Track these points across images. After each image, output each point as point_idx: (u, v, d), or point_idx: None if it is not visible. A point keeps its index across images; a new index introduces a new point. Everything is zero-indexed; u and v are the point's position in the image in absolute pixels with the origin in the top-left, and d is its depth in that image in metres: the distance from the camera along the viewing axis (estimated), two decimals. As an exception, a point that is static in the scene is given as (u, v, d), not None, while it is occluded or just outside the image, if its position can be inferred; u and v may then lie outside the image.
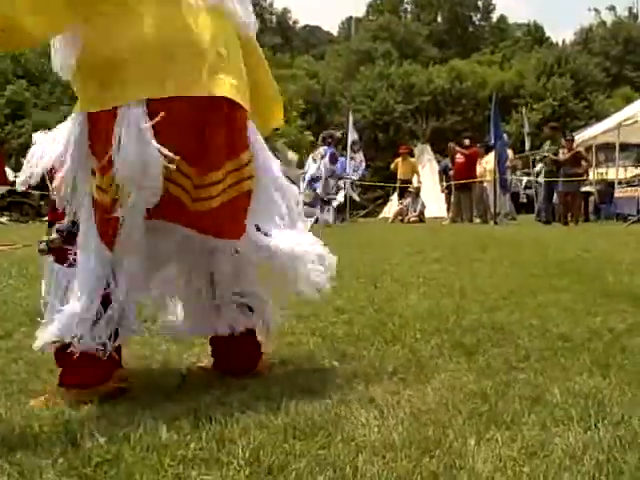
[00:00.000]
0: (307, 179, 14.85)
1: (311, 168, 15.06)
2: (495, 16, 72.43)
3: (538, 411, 2.10)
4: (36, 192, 21.15)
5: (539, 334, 3.19)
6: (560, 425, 1.97)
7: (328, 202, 14.91)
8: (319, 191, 14.62)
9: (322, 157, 14.88)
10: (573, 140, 16.70)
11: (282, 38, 71.63)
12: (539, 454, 1.76)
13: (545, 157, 16.39)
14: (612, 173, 18.52)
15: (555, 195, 16.30)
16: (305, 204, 14.11)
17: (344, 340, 3.18)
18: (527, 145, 23.24)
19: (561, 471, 1.65)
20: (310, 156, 15.85)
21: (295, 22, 79.17)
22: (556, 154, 15.75)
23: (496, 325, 3.38)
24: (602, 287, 4.57)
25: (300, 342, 3.13)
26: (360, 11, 76.20)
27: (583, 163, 16.20)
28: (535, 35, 66.88)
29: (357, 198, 20.02)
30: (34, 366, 2.72)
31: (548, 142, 16.55)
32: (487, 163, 17.11)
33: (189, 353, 2.96)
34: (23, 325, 3.47)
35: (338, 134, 16.32)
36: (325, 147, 15.18)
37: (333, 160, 14.97)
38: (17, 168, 31.76)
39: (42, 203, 21.84)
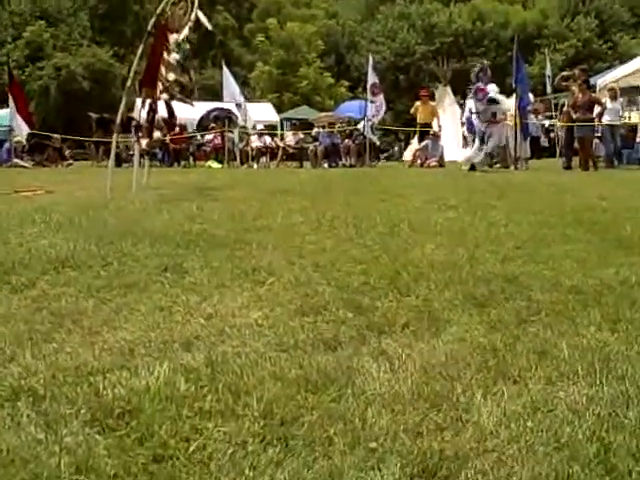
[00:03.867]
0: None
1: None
2: (519, -52, 70.37)
3: (545, 365, 2.15)
4: (57, 135, 21.30)
5: (551, 286, 3.22)
6: (565, 380, 2.03)
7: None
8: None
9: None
10: (588, 83, 16.37)
11: (301, -24, 70.28)
12: (543, 409, 1.82)
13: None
14: (635, 117, 18.22)
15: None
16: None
17: (360, 290, 3.24)
18: (549, 88, 22.86)
19: (564, 426, 1.72)
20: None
21: (314, -40, 77.48)
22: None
23: (509, 276, 3.42)
24: (617, 237, 4.58)
25: (317, 292, 3.18)
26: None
27: (597, 108, 15.91)
28: (559, -29, 65.08)
29: (377, 142, 19.88)
30: (58, 316, 2.80)
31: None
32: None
33: (208, 302, 3.03)
34: (47, 274, 3.53)
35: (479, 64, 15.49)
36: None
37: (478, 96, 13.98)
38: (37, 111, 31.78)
39: (64, 145, 21.97)
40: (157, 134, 8.65)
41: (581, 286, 3.20)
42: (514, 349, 2.33)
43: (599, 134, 16.23)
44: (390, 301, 3.04)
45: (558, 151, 17.92)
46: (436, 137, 18.10)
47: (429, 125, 18.63)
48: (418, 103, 19.10)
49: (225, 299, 3.05)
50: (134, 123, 8.94)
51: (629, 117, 18.53)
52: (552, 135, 23.28)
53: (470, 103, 14.48)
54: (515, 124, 15.79)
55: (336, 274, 3.57)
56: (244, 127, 19.97)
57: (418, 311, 2.87)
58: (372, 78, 18.91)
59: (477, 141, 13.78)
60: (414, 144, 19.96)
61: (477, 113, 13.79)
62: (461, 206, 6.48)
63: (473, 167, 13.54)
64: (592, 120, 15.42)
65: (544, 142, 22.59)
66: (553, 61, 29.05)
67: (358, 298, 3.09)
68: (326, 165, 19.26)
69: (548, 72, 24.95)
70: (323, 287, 3.28)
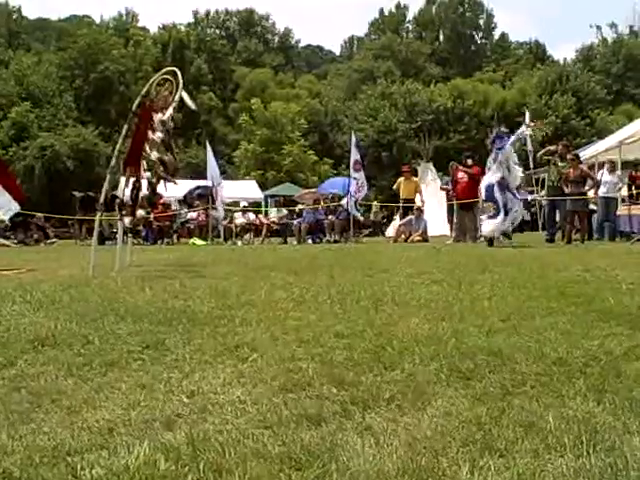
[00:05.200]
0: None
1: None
2: (497, 34, 72.98)
3: (531, 438, 2.13)
4: (40, 214, 21.33)
5: (536, 358, 3.21)
6: (553, 452, 2.00)
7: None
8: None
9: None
10: (578, 158, 16.75)
11: (284, 58, 72.26)
12: (530, 482, 1.79)
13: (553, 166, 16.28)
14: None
15: (558, 213, 16.33)
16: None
17: (343, 365, 3.21)
18: (531, 164, 23.33)
19: (551, 500, 1.68)
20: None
21: (297, 42, 79.88)
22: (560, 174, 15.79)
23: (493, 349, 3.40)
24: (601, 309, 4.59)
25: (300, 368, 3.15)
26: (362, 30, 76.72)
27: (589, 181, 16.24)
28: (537, 53, 67.38)
29: (361, 218, 20.08)
30: (37, 396, 2.75)
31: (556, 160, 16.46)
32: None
33: (189, 379, 2.98)
34: (26, 353, 3.49)
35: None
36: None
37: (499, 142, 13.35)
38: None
39: (47, 224, 22.00)
40: (141, 212, 8.65)
41: (566, 357, 3.19)
42: (500, 422, 2.30)
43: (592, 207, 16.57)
44: (374, 375, 3.01)
45: (540, 225, 18.15)
46: (419, 212, 18.30)
47: (412, 201, 18.86)
48: (401, 179, 19.39)
49: (207, 376, 3.02)
50: (118, 201, 8.98)
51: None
52: (533, 210, 23.64)
53: (493, 170, 13.52)
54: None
55: (320, 349, 3.54)
56: (229, 204, 20.17)
57: (403, 385, 2.84)
58: (355, 155, 19.22)
59: (502, 212, 13.05)
60: (397, 220, 20.15)
61: (500, 181, 13.19)
62: (445, 280, 6.50)
63: (491, 242, 13.28)
64: (585, 194, 15.70)
65: (526, 216, 22.91)
66: (533, 137, 29.65)
67: (342, 373, 3.06)
68: (310, 241, 19.37)
69: (529, 148, 25.49)
70: (307, 363, 3.25)
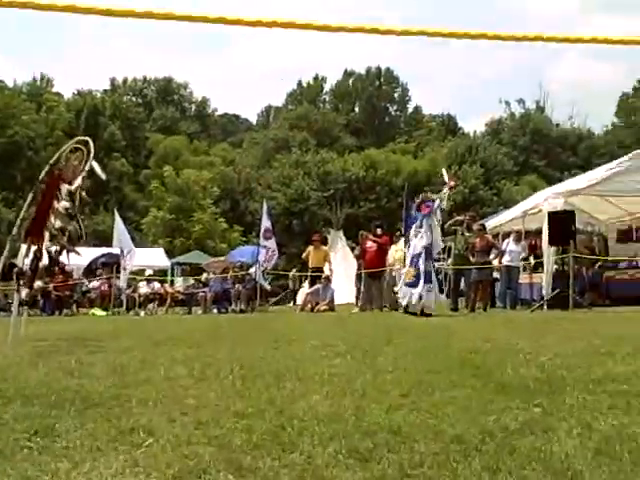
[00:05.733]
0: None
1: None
2: (411, 107, 75.46)
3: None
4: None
5: (434, 436, 3.23)
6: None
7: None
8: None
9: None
10: (485, 228, 17.33)
11: (201, 126, 72.62)
12: None
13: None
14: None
15: (463, 282, 16.75)
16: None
17: (242, 449, 3.13)
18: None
19: None
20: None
21: (214, 110, 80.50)
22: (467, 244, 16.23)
23: (393, 428, 3.40)
24: (499, 380, 4.67)
25: (196, 454, 3.05)
26: (279, 100, 77.95)
27: (494, 250, 16.78)
28: (448, 125, 70.02)
29: (268, 287, 20.05)
30: None
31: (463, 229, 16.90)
32: (397, 252, 17.43)
33: (79, 470, 2.85)
34: None
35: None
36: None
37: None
38: None
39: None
40: (38, 283, 8.37)
41: (463, 435, 3.22)
42: (395, 507, 2.28)
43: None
44: (273, 459, 2.95)
45: (445, 293, 18.53)
46: (327, 281, 18.41)
47: (320, 269, 18.98)
48: (310, 248, 19.53)
49: (99, 465, 2.89)
50: (16, 270, 8.66)
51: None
52: (440, 277, 24.08)
53: (419, 237, 13.55)
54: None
55: (218, 431, 3.45)
56: (134, 273, 19.83)
57: (301, 469, 2.79)
58: (266, 223, 19.31)
59: (422, 280, 12.93)
60: (306, 289, 20.22)
61: (427, 247, 13.20)
62: (349, 352, 6.50)
63: (406, 309, 13.11)
64: (490, 263, 16.18)
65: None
66: (443, 208, 30.42)
67: (240, 457, 2.99)
68: (215, 310, 19.18)
69: (438, 217, 26.09)
70: (204, 447, 3.15)
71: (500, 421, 3.46)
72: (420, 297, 12.91)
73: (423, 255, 13.07)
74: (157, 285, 21.37)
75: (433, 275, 13.12)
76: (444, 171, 16.10)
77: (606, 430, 3.16)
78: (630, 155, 16.60)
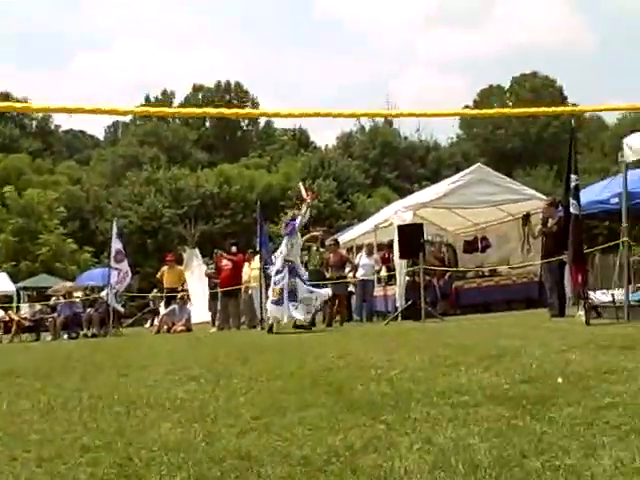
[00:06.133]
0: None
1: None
2: (262, 121, 75.81)
3: None
4: None
5: (282, 459, 3.27)
6: None
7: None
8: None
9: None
10: (338, 243, 17.71)
11: (43, 143, 69.60)
12: None
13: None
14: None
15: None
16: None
17: (85, 486, 3.06)
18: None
19: None
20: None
21: (57, 127, 77.34)
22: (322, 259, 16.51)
23: (242, 453, 3.41)
24: (349, 399, 4.77)
25: (35, 497, 2.95)
26: (126, 116, 75.95)
27: (348, 265, 17.18)
28: (300, 139, 70.92)
29: (121, 309, 19.51)
30: None
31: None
32: (252, 270, 17.51)
33: None
34: None
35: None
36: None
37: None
38: None
39: None
40: None
41: (310, 455, 3.28)
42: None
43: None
44: (118, 495, 2.90)
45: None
46: (183, 301, 18.20)
47: (176, 289, 18.74)
48: (164, 268, 19.25)
49: None
50: None
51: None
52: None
53: (281, 257, 13.68)
54: (260, 285, 16.37)
55: (62, 468, 3.34)
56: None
57: (146, 503, 2.76)
58: (116, 245, 18.82)
59: (286, 299, 13.00)
60: (162, 309, 19.88)
61: (290, 267, 13.23)
62: (203, 376, 6.46)
63: (271, 329, 13.22)
64: (345, 277, 16.52)
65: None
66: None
67: (83, 495, 2.92)
68: (66, 336, 18.48)
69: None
70: (44, 488, 3.06)
71: (346, 440, 3.54)
72: (290, 315, 13.00)
73: (286, 273, 13.17)
74: (1, 312, 20.34)
75: (298, 293, 13.18)
76: (301, 185, 16.30)
77: (444, 443, 3.31)
78: (472, 168, 17.58)
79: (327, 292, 14.05)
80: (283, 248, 13.49)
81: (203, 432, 3.96)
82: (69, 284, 24.02)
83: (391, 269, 17.38)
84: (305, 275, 13.76)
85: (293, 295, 13.03)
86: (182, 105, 73.36)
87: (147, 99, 74.31)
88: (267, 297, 15.40)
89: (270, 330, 13.24)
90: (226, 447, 3.57)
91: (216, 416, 4.44)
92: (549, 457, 2.94)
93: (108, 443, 3.84)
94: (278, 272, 13.32)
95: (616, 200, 12.44)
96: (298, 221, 13.61)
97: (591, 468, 2.75)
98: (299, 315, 13.01)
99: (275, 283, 13.35)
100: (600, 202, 14.53)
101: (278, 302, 13.10)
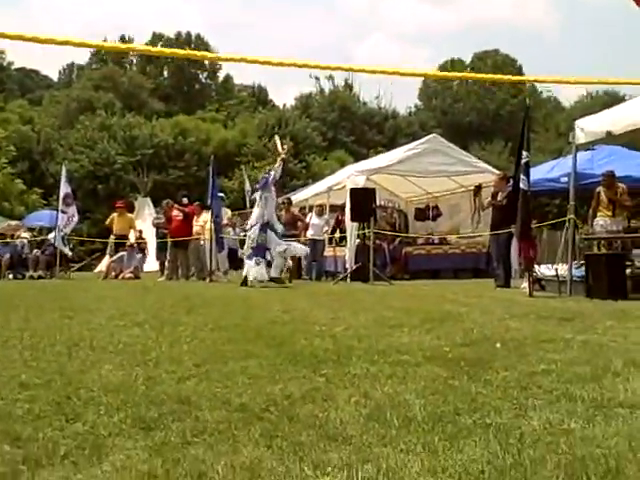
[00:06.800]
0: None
1: None
2: (221, 75, 74.51)
3: (201, 488, 2.18)
4: None
5: (220, 405, 3.30)
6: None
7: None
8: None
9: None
10: (291, 202, 17.71)
11: (-6, 80, 67.49)
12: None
13: None
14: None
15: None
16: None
17: (23, 420, 3.05)
18: (248, 203, 24.15)
19: None
20: None
21: (10, 63, 74.82)
22: None
23: (181, 397, 3.44)
24: (292, 351, 4.83)
25: (-28, 425, 2.93)
26: (83, 59, 73.88)
27: (299, 224, 17.19)
28: (259, 97, 70.02)
29: (69, 252, 19.24)
30: None
31: None
32: (205, 222, 17.41)
33: None
34: None
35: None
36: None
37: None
38: None
39: None
40: None
41: (248, 403, 3.32)
42: (175, 473, 2.33)
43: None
44: (54, 429, 2.90)
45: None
46: (131, 249, 18.04)
47: (125, 237, 18.55)
48: (114, 214, 19.01)
49: None
50: None
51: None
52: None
53: (255, 210, 13.87)
54: (210, 238, 16.32)
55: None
56: None
57: (82, 439, 2.76)
58: (65, 188, 18.51)
59: (253, 254, 13.20)
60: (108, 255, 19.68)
61: (261, 221, 13.28)
62: (148, 322, 6.47)
63: (245, 282, 13.15)
64: (297, 236, 16.54)
65: (241, 254, 23.57)
66: (252, 177, 30.75)
67: (19, 428, 2.90)
68: (11, 276, 18.19)
69: (247, 187, 26.54)
70: (-20, 419, 3.04)
71: (285, 390, 3.59)
72: (261, 271, 13.09)
73: (257, 228, 13.19)
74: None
75: (271, 247, 13.20)
76: (277, 139, 16.17)
77: (380, 398, 3.38)
78: (427, 138, 17.69)
79: (304, 249, 14.16)
80: (257, 202, 13.49)
81: (144, 376, 3.97)
82: (14, 223, 23.53)
83: (343, 231, 17.46)
84: (280, 229, 13.83)
85: (262, 249, 13.07)
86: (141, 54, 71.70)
87: (105, 42, 72.24)
88: (217, 249, 15.49)
89: (244, 283, 13.19)
90: (166, 391, 3.59)
91: (158, 361, 4.46)
92: (481, 415, 3.03)
93: (47, 381, 3.83)
94: (252, 226, 13.34)
95: (565, 179, 12.69)
96: (272, 175, 13.56)
97: (521, 427, 2.83)
98: (260, 270, 13.06)
99: (249, 237, 13.39)
100: (550, 180, 14.84)
101: (249, 256, 13.20)
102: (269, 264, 13.25)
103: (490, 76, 7.06)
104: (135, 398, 3.43)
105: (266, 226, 13.26)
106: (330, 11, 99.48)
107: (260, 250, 13.10)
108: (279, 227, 13.76)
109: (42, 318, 6.80)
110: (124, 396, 3.46)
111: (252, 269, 13.07)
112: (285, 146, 14.58)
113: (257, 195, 13.78)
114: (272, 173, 13.59)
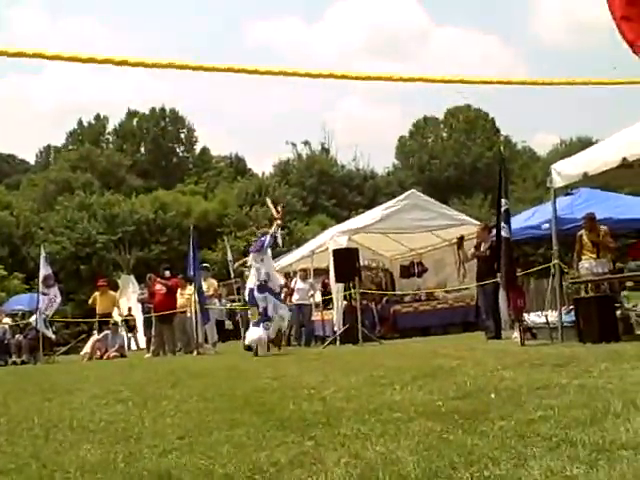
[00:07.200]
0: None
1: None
2: (198, 148, 75.05)
3: None
4: None
5: (203, 476, 3.15)
6: None
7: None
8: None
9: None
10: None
11: (-30, 167, 67.61)
12: None
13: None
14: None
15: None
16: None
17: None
18: (232, 273, 23.99)
19: None
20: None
21: (-14, 150, 74.91)
22: None
23: (162, 472, 3.27)
24: (280, 417, 4.65)
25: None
26: (59, 140, 74.21)
27: (284, 289, 17.01)
28: (237, 166, 70.59)
29: (52, 335, 18.88)
30: None
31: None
32: (190, 295, 17.19)
33: None
34: None
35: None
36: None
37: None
38: None
39: None
40: None
41: (233, 473, 3.15)
42: None
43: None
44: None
45: (243, 333, 18.51)
46: (116, 327, 17.79)
47: (109, 315, 18.30)
48: (97, 293, 18.79)
49: None
50: None
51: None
52: (237, 318, 24.20)
53: (252, 273, 13.36)
54: (195, 310, 16.12)
55: (-31, 493, 3.15)
56: None
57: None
58: (45, 270, 18.28)
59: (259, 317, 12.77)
60: (95, 335, 19.37)
61: (259, 284, 12.85)
62: (132, 399, 6.26)
63: (257, 352, 12.68)
64: (282, 301, 16.30)
65: (229, 325, 23.35)
66: (234, 247, 30.65)
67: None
68: (-6, 364, 17.87)
69: (229, 257, 26.41)
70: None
71: (272, 456, 3.43)
72: (264, 337, 12.76)
73: (256, 292, 12.95)
74: None
75: (269, 309, 12.94)
76: (269, 202, 16.04)
77: (372, 457, 3.22)
78: (406, 194, 17.72)
79: (287, 313, 13.85)
80: (252, 265, 13.27)
81: (124, 452, 3.79)
82: (-2, 308, 23.24)
83: (329, 294, 17.27)
84: (278, 285, 13.61)
85: (265, 312, 12.82)
86: (116, 131, 72.41)
87: (80, 123, 72.73)
88: (202, 322, 15.27)
89: (254, 353, 12.79)
90: (146, 466, 3.42)
91: (140, 437, 4.27)
92: (478, 468, 2.87)
93: (21, 466, 3.65)
94: (252, 291, 13.07)
95: (547, 226, 12.65)
96: (267, 239, 13.37)
97: (521, 478, 2.69)
98: (272, 333, 12.90)
99: (250, 305, 13.13)
100: (531, 227, 14.81)
101: (257, 323, 12.83)
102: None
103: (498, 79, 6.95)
104: (113, 476, 3.25)
105: (263, 287, 13.06)
106: (299, 78, 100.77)
107: (265, 314, 12.88)
108: (277, 284, 13.54)
109: (21, 402, 6.57)
110: (102, 475, 3.29)
111: (263, 333, 12.74)
112: (279, 209, 14.43)
113: (250, 258, 13.54)
114: (268, 237, 13.42)
